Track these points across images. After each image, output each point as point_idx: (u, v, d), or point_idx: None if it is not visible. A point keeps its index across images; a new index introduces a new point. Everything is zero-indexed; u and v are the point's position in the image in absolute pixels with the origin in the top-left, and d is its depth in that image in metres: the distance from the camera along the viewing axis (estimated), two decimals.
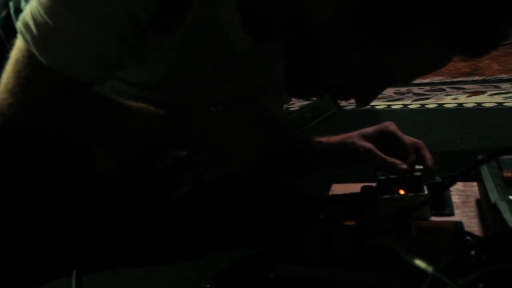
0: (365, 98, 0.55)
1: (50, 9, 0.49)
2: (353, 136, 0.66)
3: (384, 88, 0.57)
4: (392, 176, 0.63)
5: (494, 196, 0.58)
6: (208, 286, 0.53)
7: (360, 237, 0.49)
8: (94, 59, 0.53)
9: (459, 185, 0.72)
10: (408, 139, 0.67)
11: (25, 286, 0.58)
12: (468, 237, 0.51)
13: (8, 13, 0.66)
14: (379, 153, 0.64)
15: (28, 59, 0.52)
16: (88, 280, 0.56)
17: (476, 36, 0.46)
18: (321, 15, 0.49)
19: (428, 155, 0.65)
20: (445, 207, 0.64)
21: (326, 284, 0.41)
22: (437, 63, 0.53)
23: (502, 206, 0.52)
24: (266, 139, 0.60)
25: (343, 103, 0.61)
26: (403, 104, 1.30)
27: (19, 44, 0.53)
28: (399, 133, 0.67)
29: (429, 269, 0.38)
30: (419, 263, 0.39)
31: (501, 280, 0.37)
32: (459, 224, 0.52)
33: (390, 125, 0.67)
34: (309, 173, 0.66)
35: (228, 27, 0.56)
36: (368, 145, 0.64)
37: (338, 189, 0.77)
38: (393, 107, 1.29)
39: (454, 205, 0.66)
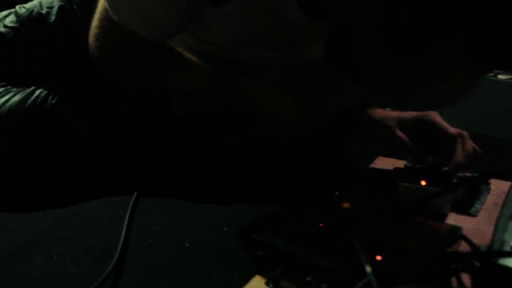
0: (395, 101, 0.56)
1: None
2: (391, 119, 0.67)
3: (414, 94, 0.56)
4: (418, 166, 0.64)
5: (509, 208, 0.57)
6: (225, 229, 0.64)
7: (343, 222, 0.54)
8: (152, 22, 0.62)
9: (504, 185, 0.69)
10: (450, 130, 0.66)
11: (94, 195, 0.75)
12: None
13: None
14: (409, 143, 0.65)
15: (107, 12, 0.63)
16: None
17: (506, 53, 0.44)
18: (353, 10, 0.50)
19: (464, 148, 0.63)
20: (472, 206, 0.64)
21: (291, 259, 0.48)
22: (471, 76, 0.49)
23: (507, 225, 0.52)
24: (309, 114, 0.66)
25: None
26: None
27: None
28: (441, 123, 0.66)
29: (368, 269, 0.43)
30: (364, 260, 0.44)
31: None
32: (455, 229, 0.54)
33: (433, 115, 0.66)
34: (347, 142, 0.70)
35: (282, 1, 0.61)
36: (400, 134, 0.65)
37: (381, 162, 0.79)
38: (499, 76, 1.18)
39: (485, 207, 0.65)
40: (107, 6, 0.62)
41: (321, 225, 0.54)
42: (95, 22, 0.67)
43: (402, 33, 0.46)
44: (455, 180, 0.63)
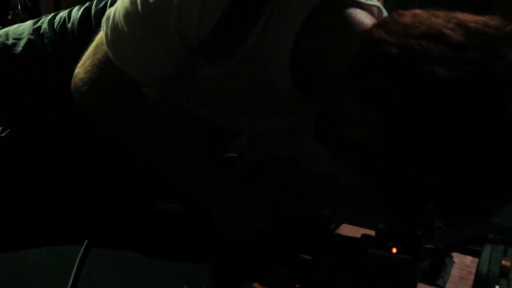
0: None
1: (129, 17, 0.58)
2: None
3: None
4: (388, 233, 0.63)
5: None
6: (185, 287, 0.58)
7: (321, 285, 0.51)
8: (145, 63, 0.61)
9: (466, 259, 0.70)
10: None
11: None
12: None
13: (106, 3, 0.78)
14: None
15: (103, 47, 0.61)
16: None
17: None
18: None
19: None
20: (439, 278, 0.64)
21: None
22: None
23: None
24: (265, 223, 0.65)
25: None
26: None
27: (101, 32, 0.62)
28: None
29: None
30: None
31: None
32: None
33: None
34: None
35: (277, 74, 0.61)
36: None
37: (345, 230, 0.78)
38: None
39: (451, 279, 0.65)
40: (104, 42, 0.60)
41: (297, 286, 0.50)
42: (87, 54, 0.65)
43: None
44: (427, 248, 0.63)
